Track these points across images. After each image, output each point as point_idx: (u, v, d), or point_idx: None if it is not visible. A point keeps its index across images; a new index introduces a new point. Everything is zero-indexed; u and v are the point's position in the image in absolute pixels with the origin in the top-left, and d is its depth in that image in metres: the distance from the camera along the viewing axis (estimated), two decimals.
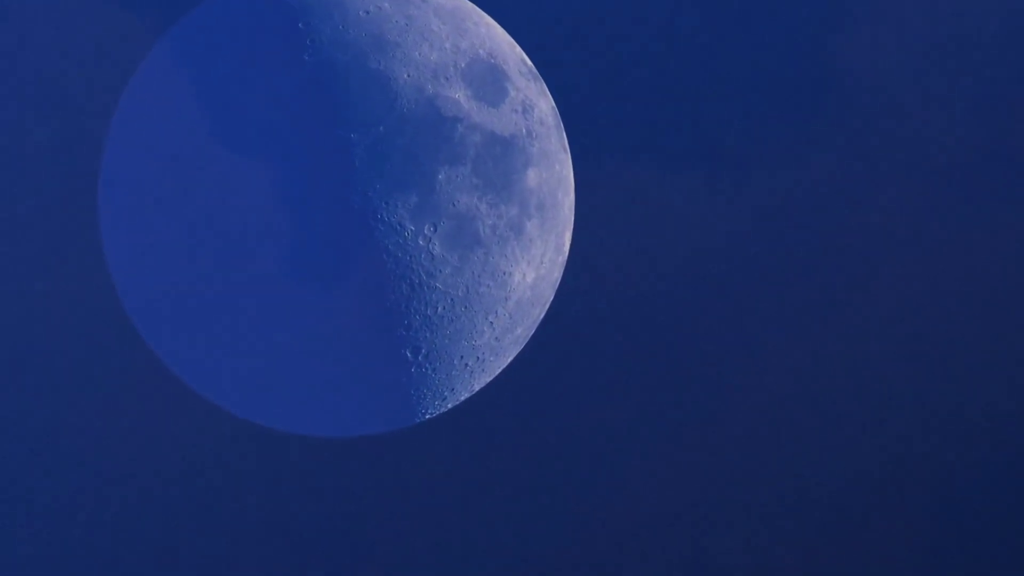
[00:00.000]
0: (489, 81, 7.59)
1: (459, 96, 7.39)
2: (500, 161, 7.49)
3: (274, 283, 7.25)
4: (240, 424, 8.54)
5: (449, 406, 8.12)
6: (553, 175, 7.94)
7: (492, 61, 7.67)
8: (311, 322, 7.34)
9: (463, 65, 7.50)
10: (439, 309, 7.45)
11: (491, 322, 7.70)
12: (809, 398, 12.00)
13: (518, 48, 8.14)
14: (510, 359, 8.28)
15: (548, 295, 8.22)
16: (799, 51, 12.01)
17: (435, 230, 7.28)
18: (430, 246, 7.30)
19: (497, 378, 8.30)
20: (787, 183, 11.82)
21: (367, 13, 7.40)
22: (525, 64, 8.11)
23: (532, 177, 7.70)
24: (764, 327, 11.80)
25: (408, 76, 7.32)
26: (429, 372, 7.67)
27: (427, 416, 8.12)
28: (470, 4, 7.85)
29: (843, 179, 12.12)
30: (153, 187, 7.45)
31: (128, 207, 7.65)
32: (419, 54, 7.40)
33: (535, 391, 11.72)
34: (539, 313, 8.21)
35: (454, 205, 7.30)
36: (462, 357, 7.74)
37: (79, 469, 11.52)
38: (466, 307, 7.53)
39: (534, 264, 7.82)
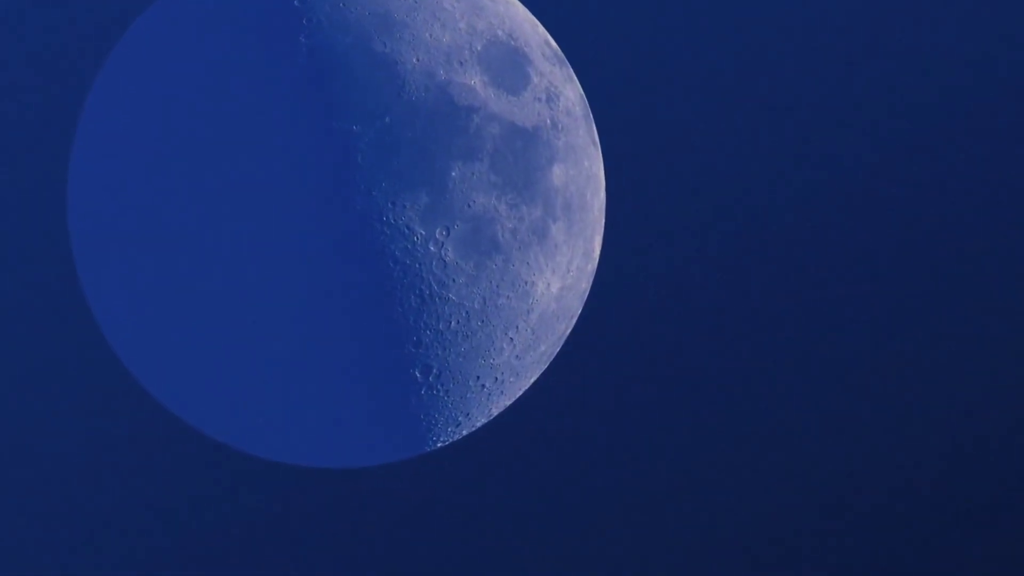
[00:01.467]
0: (509, 66, 7.45)
1: (475, 83, 7.25)
2: (521, 156, 7.35)
3: (265, 296, 7.10)
4: (232, 455, 8.54)
5: (464, 433, 8.02)
6: (581, 172, 7.78)
7: (512, 43, 7.54)
8: (307, 339, 7.18)
9: (479, 48, 7.37)
10: (452, 323, 7.31)
11: (511, 338, 7.58)
12: (864, 417, 12.00)
13: (541, 28, 7.99)
14: (532, 380, 8.15)
15: (575, 308, 8.07)
16: (857, 37, 12.04)
17: (448, 234, 7.15)
18: (442, 252, 7.16)
19: (517, 401, 8.20)
20: (843, 180, 11.80)
21: None
22: (550, 46, 7.95)
23: (558, 174, 7.55)
24: (820, 343, 11.73)
25: (417, 60, 7.17)
26: (441, 394, 7.56)
27: (439, 444, 8.00)
28: None
29: (891, 178, 12.21)
30: (128, 189, 7.31)
31: (99, 212, 7.52)
32: (430, 35, 7.26)
33: (560, 415, 11.49)
34: (565, 328, 8.05)
35: (469, 206, 7.17)
36: (478, 378, 7.62)
37: (64, 499, 11.49)
38: (483, 321, 7.39)
39: (560, 273, 7.68)
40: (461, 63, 7.24)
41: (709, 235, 11.52)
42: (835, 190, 11.78)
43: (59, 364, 11.15)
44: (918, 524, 11.70)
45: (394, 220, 7.02)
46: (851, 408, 11.88)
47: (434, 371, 7.41)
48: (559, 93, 7.69)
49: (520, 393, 8.13)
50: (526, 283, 7.45)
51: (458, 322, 7.30)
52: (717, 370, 11.51)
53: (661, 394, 11.51)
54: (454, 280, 7.19)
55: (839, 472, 11.80)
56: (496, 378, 7.69)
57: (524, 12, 7.89)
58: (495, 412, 8.06)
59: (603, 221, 8.15)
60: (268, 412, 7.53)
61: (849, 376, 11.81)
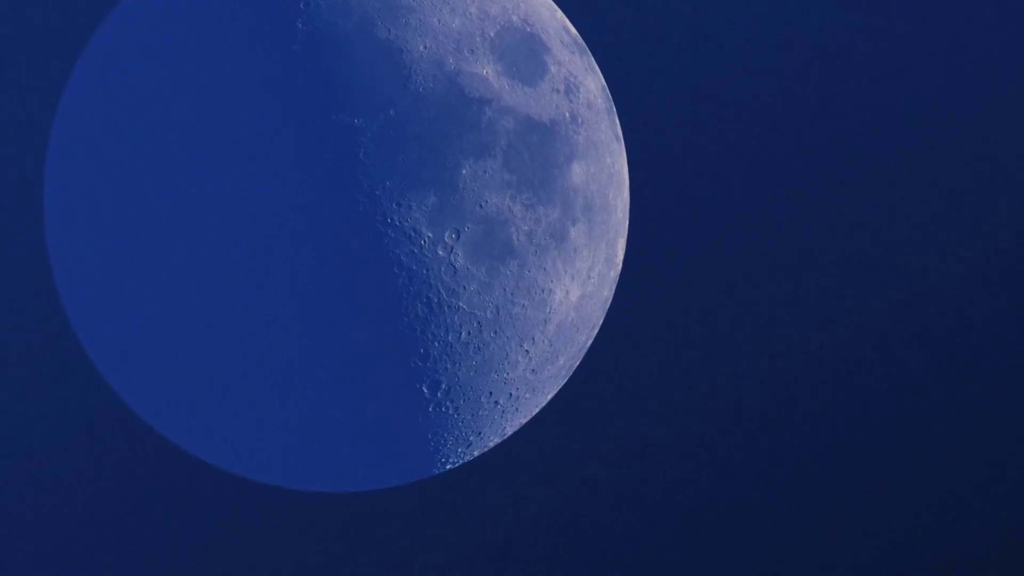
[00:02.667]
0: (524, 54, 7.38)
1: (487, 72, 7.19)
2: (538, 152, 7.29)
3: (258, 307, 6.99)
4: (226, 479, 8.45)
5: (475, 454, 8.01)
6: (603, 170, 7.71)
7: (528, 29, 7.47)
8: (304, 353, 7.08)
9: (492, 34, 7.31)
10: (463, 335, 7.25)
11: (527, 351, 7.51)
12: (908, 426, 11.95)
13: (560, 13, 7.95)
14: (550, 396, 8.10)
15: (597, 317, 7.98)
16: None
17: (458, 237, 7.08)
18: (452, 257, 7.09)
19: (533, 419, 8.18)
20: (893, 174, 11.76)
21: None
22: (568, 33, 7.87)
23: (577, 172, 7.48)
24: (871, 362, 11.64)
25: (425, 48, 7.09)
26: (450, 412, 7.52)
27: (448, 466, 7.98)
28: None
29: (937, 172, 12.16)
30: (108, 191, 7.18)
31: (78, 218, 7.40)
32: (438, 20, 7.21)
33: (580, 434, 11.27)
34: (585, 340, 7.98)
35: (481, 207, 7.09)
36: (491, 394, 7.57)
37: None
38: (496, 332, 7.33)
39: (580, 279, 7.61)
40: (472, 51, 7.16)
41: (743, 238, 11.36)
42: (887, 185, 11.76)
43: (49, 396, 11.14)
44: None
45: (399, 222, 6.94)
46: (897, 420, 11.82)
47: (443, 387, 7.33)
48: (579, 84, 7.60)
49: (536, 410, 8.05)
50: (543, 291, 7.37)
51: (469, 333, 7.23)
52: (750, 385, 11.31)
53: (690, 412, 11.33)
54: (464, 287, 7.11)
55: (883, 485, 11.79)
56: (510, 394, 7.61)
57: None
58: (509, 431, 7.99)
59: (627, 223, 8.05)
60: (262, 432, 7.41)
61: (895, 388, 11.74)
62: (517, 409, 7.75)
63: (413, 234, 6.94)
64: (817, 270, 11.54)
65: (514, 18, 7.34)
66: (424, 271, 7.00)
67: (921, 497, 11.75)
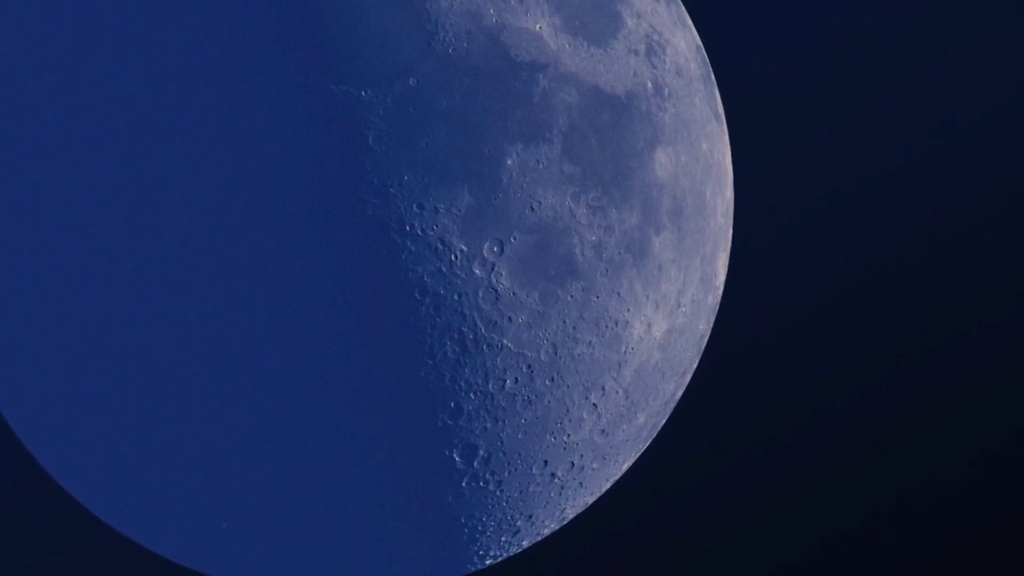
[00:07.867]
0: (591, 2, 6.96)
1: (541, 27, 6.72)
2: (609, 136, 6.83)
3: (232, 351, 6.52)
4: None
5: (524, 544, 7.69)
6: (698, 160, 7.29)
7: None
8: (294, 412, 6.64)
9: None
10: (507, 383, 6.79)
11: (594, 404, 7.09)
12: None
13: None
14: (625, 466, 7.75)
15: (689, 359, 7.65)
16: None
17: (501, 251, 6.62)
18: (493, 278, 6.64)
19: (604, 499, 7.92)
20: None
21: None
22: None
23: (663, 163, 7.01)
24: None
25: None
26: (492, 488, 7.12)
27: (488, 561, 7.63)
28: None
29: None
30: (21, 200, 6.61)
31: None
32: None
33: (665, 519, 10.83)
34: (674, 390, 7.60)
35: (532, 209, 6.62)
36: (546, 463, 7.13)
37: None
38: (553, 380, 6.89)
39: (666, 308, 7.18)
40: (521, 0, 6.76)
41: (885, 251, 11.03)
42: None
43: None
44: None
45: (422, 230, 6.50)
46: None
47: (481, 453, 6.94)
48: (665, 43, 7.22)
49: (607, 486, 7.72)
50: (616, 323, 6.94)
51: (516, 381, 6.81)
52: (893, 444, 10.84)
53: (810, 488, 10.82)
54: (510, 319, 6.69)
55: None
56: (572, 463, 7.20)
57: None
58: (570, 514, 7.66)
59: (730, 232, 7.76)
60: (244, 526, 7.01)
61: None
62: (581, 484, 7.41)
63: (440, 247, 6.54)
64: (985, 282, 11.18)
65: None
66: (455, 297, 6.58)
67: None
